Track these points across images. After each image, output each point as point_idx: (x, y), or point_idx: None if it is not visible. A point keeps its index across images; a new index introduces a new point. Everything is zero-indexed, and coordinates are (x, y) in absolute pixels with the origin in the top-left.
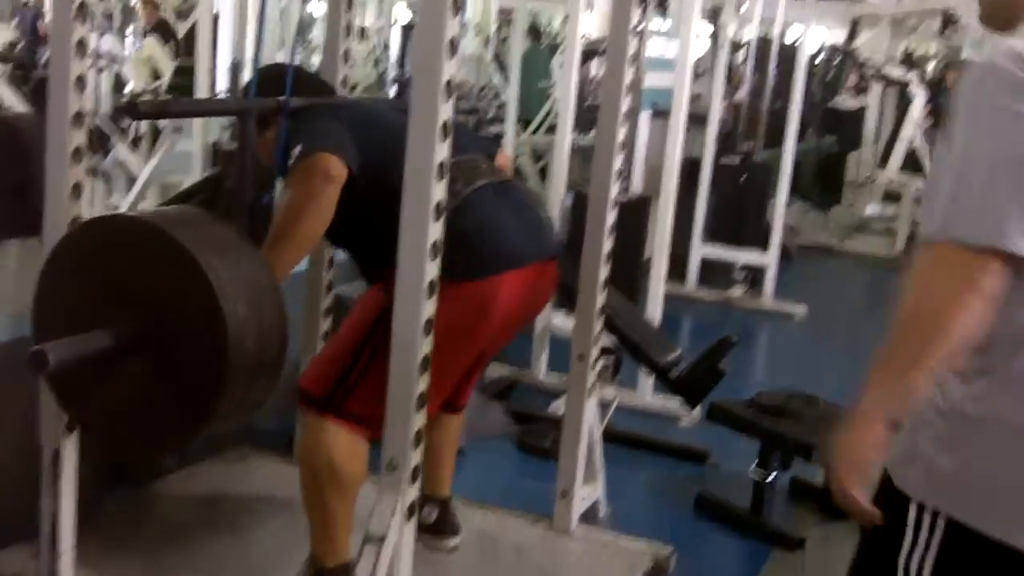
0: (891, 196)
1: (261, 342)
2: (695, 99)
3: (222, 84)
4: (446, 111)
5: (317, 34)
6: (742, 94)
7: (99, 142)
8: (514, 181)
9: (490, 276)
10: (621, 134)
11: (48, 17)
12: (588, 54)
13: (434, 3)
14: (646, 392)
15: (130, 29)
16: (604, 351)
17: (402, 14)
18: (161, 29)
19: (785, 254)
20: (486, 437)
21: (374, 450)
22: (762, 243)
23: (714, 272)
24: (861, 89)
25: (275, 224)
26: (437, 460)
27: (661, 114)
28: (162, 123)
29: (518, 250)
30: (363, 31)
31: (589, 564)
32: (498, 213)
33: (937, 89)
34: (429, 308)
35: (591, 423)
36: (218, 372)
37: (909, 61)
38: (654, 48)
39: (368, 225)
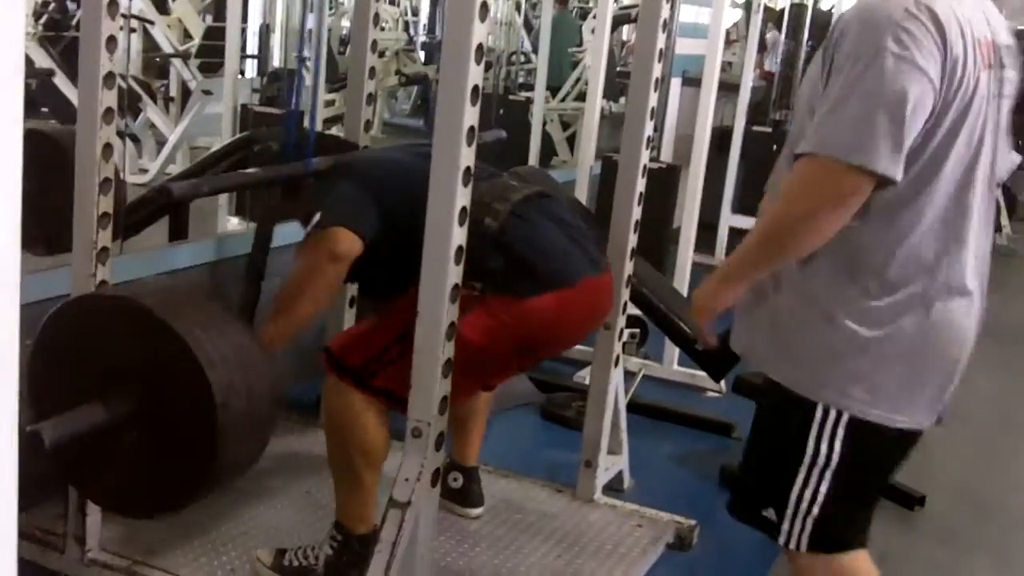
0: None
1: (251, 404)
2: (726, 67)
3: (252, 47)
4: (476, 75)
5: None
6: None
7: (129, 104)
8: (554, 194)
9: (543, 294)
10: (652, 101)
11: None
12: (619, 20)
13: None
14: (672, 363)
15: None
16: (631, 321)
17: None
18: None
19: None
20: (511, 406)
21: (400, 418)
22: None
23: None
24: None
25: (277, 297)
26: (466, 429)
27: (692, 81)
28: (191, 84)
29: (568, 268)
30: None
31: (612, 534)
32: (545, 230)
33: None
34: (455, 275)
35: (616, 393)
36: (211, 433)
37: None
38: (686, 14)
39: (393, 276)
